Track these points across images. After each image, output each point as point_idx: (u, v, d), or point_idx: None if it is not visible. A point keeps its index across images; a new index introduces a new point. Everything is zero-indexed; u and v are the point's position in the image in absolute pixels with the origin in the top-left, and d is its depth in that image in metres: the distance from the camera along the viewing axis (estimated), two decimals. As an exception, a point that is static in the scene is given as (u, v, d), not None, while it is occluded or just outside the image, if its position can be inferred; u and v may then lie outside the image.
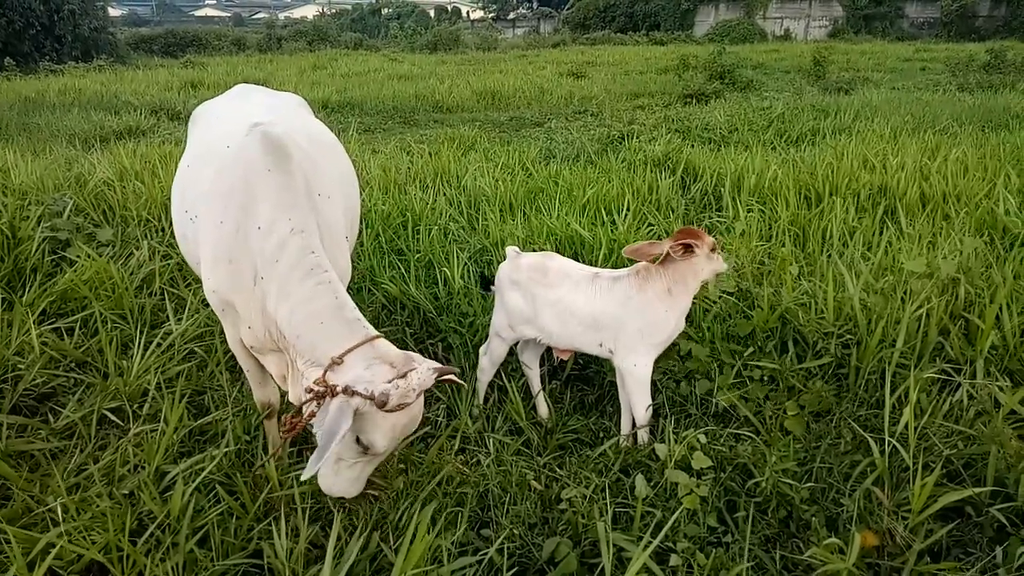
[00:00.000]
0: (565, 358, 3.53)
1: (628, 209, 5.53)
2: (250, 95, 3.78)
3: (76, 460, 3.19)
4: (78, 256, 4.87)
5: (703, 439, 3.02)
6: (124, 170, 6.98)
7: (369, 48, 38.90)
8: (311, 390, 2.37)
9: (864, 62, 24.91)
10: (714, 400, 3.32)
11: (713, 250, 3.15)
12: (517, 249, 3.49)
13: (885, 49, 31.20)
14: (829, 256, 4.67)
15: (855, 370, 3.28)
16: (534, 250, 4.71)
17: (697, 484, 2.83)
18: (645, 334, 3.13)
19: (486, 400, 3.79)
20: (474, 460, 3.29)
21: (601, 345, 3.25)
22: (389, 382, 2.31)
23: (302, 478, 2.25)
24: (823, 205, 5.61)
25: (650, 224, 5.28)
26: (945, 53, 27.00)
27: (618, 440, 3.36)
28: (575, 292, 3.25)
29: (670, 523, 2.54)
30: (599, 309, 3.20)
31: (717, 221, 5.59)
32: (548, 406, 3.73)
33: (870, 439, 2.76)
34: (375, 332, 2.50)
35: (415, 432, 2.65)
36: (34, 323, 4.01)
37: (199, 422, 3.46)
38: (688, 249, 3.06)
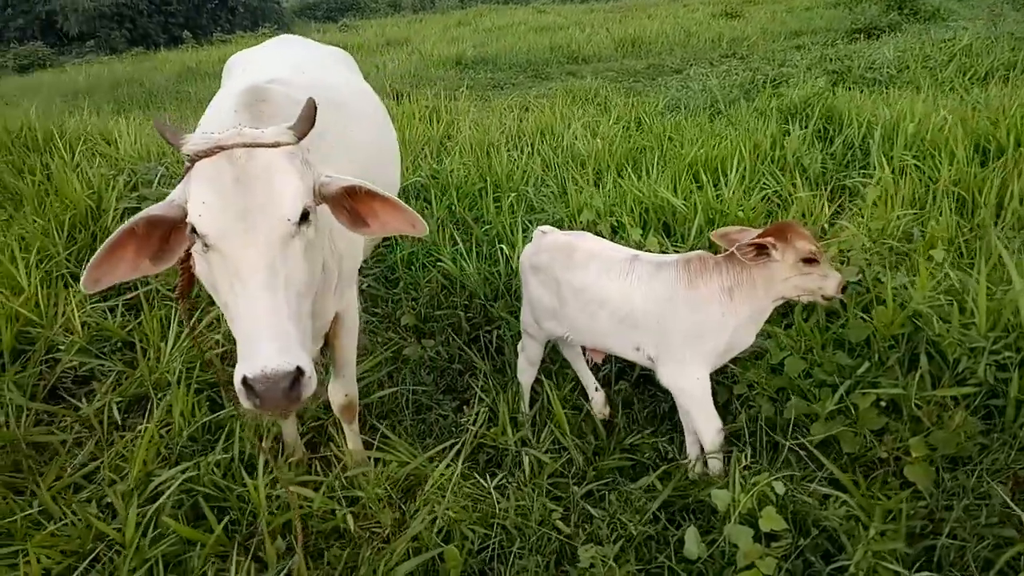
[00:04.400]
0: (599, 360, 2.90)
1: (745, 168, 4.63)
2: (284, 47, 3.41)
3: (81, 456, 2.99)
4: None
5: (780, 488, 2.26)
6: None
7: (520, 1, 38.22)
8: None
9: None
10: (810, 434, 2.51)
11: (810, 261, 2.32)
12: (548, 228, 2.88)
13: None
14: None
15: (1015, 404, 2.34)
16: (606, 226, 4.00)
17: (763, 554, 2.10)
18: (691, 337, 2.43)
19: (532, 403, 3.20)
20: (503, 482, 2.74)
21: (638, 349, 2.59)
22: None
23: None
24: (1005, 159, 4.38)
25: (763, 188, 4.35)
26: None
27: (682, 468, 2.67)
28: (606, 277, 2.58)
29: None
30: (636, 302, 2.52)
31: (859, 182, 4.53)
32: (605, 403, 3.10)
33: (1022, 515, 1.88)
34: None
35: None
36: (87, 298, 3.92)
37: (213, 416, 3.13)
38: (761, 251, 2.30)
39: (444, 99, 8.67)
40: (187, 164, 1.73)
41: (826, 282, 2.36)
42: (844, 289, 2.37)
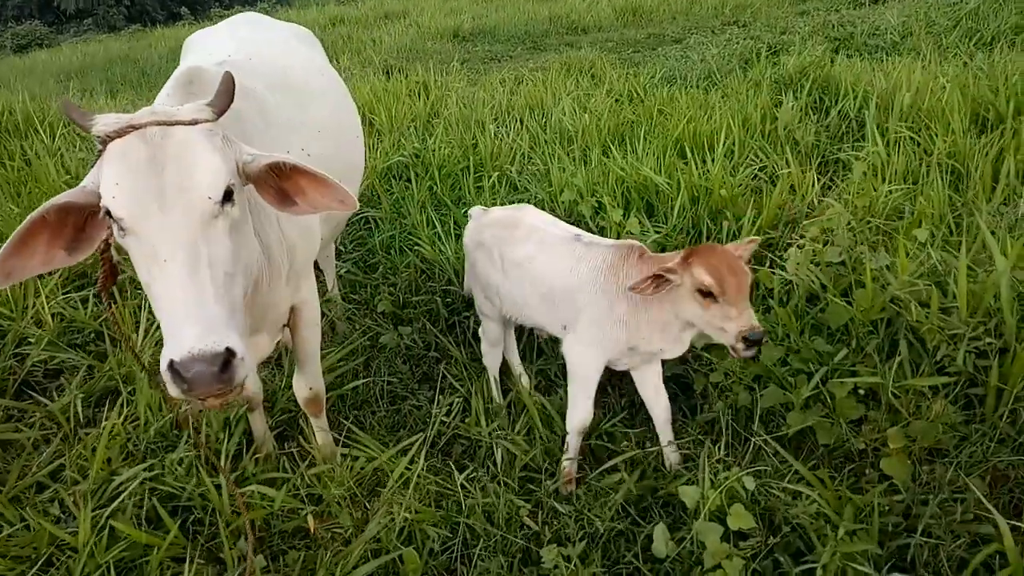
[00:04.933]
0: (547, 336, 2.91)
1: (734, 143, 4.48)
2: (239, 27, 3.29)
3: (46, 455, 2.93)
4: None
5: (751, 484, 2.18)
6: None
7: (521, -31, 37.45)
8: None
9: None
10: (786, 423, 2.42)
11: (708, 294, 2.10)
12: (483, 208, 2.90)
13: None
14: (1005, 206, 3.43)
15: (995, 392, 2.23)
16: (587, 206, 3.89)
17: (730, 554, 2.02)
18: (597, 320, 2.41)
19: (507, 392, 3.13)
20: (473, 474, 2.66)
21: (565, 328, 2.57)
22: None
23: None
24: (1004, 127, 4.21)
25: (752, 161, 4.21)
26: None
27: (651, 459, 2.61)
28: (544, 253, 2.56)
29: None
30: (564, 280, 2.50)
31: (851, 156, 4.38)
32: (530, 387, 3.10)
33: (999, 518, 1.79)
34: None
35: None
36: (58, 288, 3.85)
37: (176, 413, 3.06)
38: (660, 282, 2.19)
39: (436, 74, 8.49)
40: (99, 147, 1.64)
41: (726, 326, 2.09)
42: (752, 344, 2.05)
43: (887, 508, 2.06)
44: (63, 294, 3.86)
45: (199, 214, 1.61)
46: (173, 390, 1.54)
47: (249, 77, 2.50)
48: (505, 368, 3.18)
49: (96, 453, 2.65)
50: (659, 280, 2.17)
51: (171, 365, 1.51)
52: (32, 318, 3.68)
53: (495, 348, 3.01)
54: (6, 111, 6.67)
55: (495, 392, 3.08)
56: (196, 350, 1.50)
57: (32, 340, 3.54)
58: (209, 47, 2.92)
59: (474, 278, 2.89)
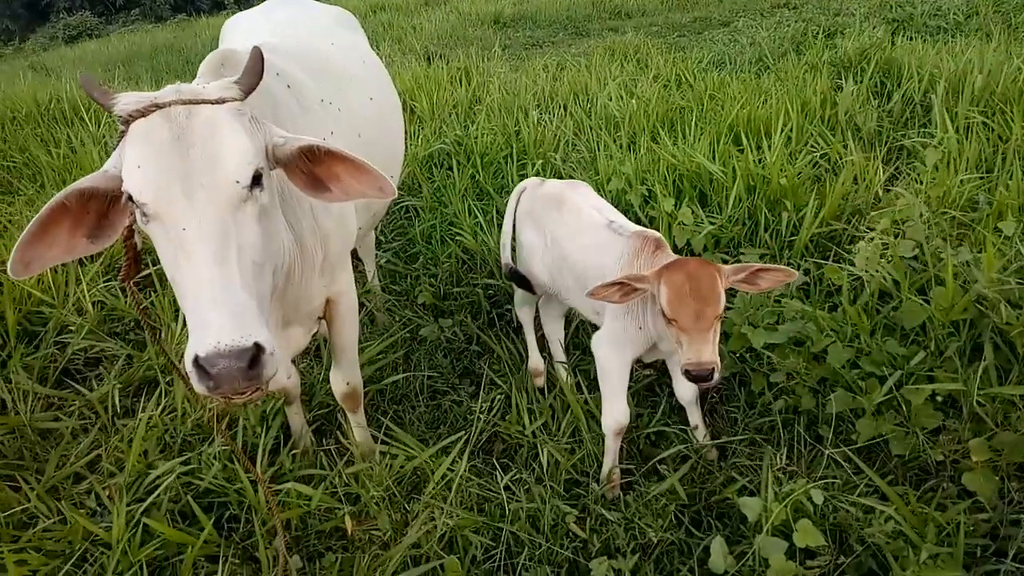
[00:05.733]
0: None
1: (792, 129, 4.25)
2: (278, 10, 3.19)
3: (83, 445, 2.89)
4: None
5: (819, 498, 2.01)
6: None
7: (563, -46, 37.05)
8: None
9: None
10: (855, 430, 2.24)
11: (668, 319, 2.01)
12: (540, 179, 2.86)
13: None
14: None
15: (1096, 404, 2.03)
16: (636, 195, 3.72)
17: (797, 573, 1.86)
18: (618, 315, 2.31)
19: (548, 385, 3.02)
20: (517, 476, 2.54)
21: (598, 313, 2.49)
22: None
23: None
24: (1087, 113, 3.92)
25: (811, 150, 3.99)
26: None
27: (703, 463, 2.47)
28: (578, 233, 2.49)
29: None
30: (588, 265, 2.43)
31: (918, 143, 4.12)
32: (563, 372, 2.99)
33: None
34: None
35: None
36: (99, 276, 3.83)
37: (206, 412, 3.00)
38: (628, 290, 2.09)
39: (477, 60, 8.35)
40: (121, 128, 1.54)
41: (679, 351, 2.02)
42: (697, 379, 1.96)
43: (971, 528, 1.88)
44: (104, 282, 3.83)
45: (226, 198, 1.50)
46: (198, 387, 1.44)
47: (284, 59, 2.40)
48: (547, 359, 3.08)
49: (133, 445, 2.59)
50: (626, 288, 2.07)
51: (196, 360, 1.41)
52: (73, 306, 3.67)
53: (528, 304, 3.02)
54: (54, 99, 6.73)
55: (531, 346, 3.05)
56: (223, 345, 1.39)
57: (73, 328, 3.52)
58: (245, 30, 2.84)
59: (520, 241, 2.86)
